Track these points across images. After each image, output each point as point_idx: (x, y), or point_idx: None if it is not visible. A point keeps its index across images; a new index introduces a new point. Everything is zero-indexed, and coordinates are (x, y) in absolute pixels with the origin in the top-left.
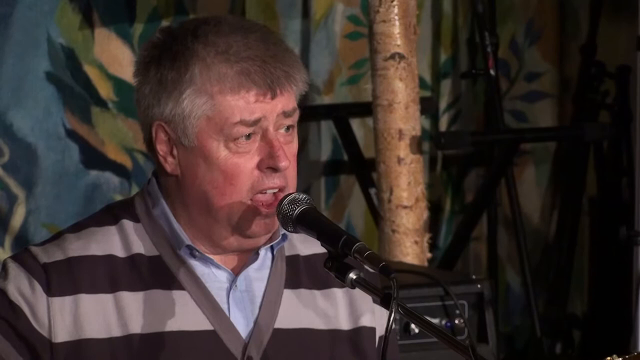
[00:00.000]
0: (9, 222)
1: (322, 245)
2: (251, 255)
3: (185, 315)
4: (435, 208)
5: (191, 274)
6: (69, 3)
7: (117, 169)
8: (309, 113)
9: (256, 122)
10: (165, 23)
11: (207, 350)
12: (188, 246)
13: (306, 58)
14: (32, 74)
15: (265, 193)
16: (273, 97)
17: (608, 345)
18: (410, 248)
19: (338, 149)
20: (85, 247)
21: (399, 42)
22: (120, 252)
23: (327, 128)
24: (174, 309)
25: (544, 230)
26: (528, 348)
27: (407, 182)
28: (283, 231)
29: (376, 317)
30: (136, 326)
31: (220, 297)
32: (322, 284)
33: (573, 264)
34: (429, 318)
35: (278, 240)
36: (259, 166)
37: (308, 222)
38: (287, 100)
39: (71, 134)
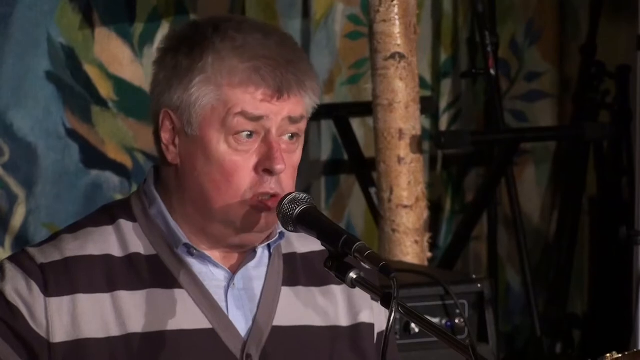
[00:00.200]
0: (9, 221)
1: (322, 244)
2: (249, 253)
3: (183, 314)
4: (435, 207)
5: (189, 273)
6: (69, 3)
7: (117, 168)
8: None
9: (258, 118)
10: (165, 23)
11: (206, 348)
12: (185, 244)
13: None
14: (32, 73)
15: (260, 197)
16: (280, 98)
17: (608, 344)
18: (410, 247)
19: (338, 149)
20: (83, 247)
21: (399, 42)
22: (117, 252)
23: (327, 128)
24: (172, 308)
25: (544, 229)
26: (528, 347)
27: (407, 182)
28: (280, 229)
29: (375, 314)
30: (134, 325)
31: (218, 295)
32: (320, 281)
33: (573, 263)
34: (429, 317)
35: (275, 238)
36: (256, 168)
37: (308, 221)
38: (294, 106)
39: (71, 134)
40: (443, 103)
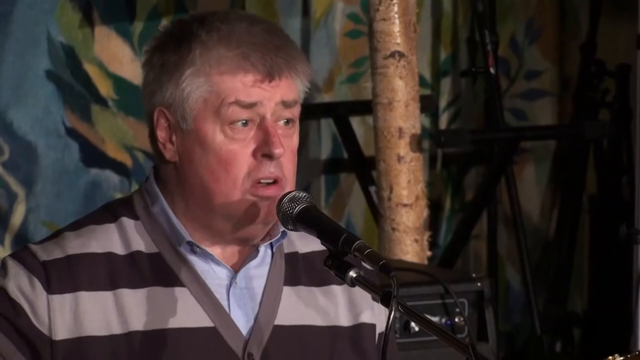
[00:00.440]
0: (9, 220)
1: (322, 243)
2: (251, 252)
3: (185, 312)
4: (435, 206)
5: (191, 271)
6: (69, 1)
7: (117, 167)
8: (309, 111)
9: (252, 105)
10: (165, 21)
11: (207, 347)
12: (188, 242)
13: (306, 56)
14: (32, 72)
15: (260, 183)
16: (271, 82)
17: (608, 343)
18: (410, 246)
19: (338, 147)
20: (85, 245)
21: (399, 41)
22: (119, 250)
23: (327, 126)
24: (174, 306)
25: (544, 228)
26: (528, 346)
27: (407, 180)
28: (282, 228)
29: (376, 314)
30: (137, 323)
31: (220, 294)
32: (321, 281)
33: (573, 262)
34: (429, 316)
35: (277, 237)
36: (254, 154)
37: (308, 220)
38: (286, 89)
39: (71, 132)
40: (443, 102)
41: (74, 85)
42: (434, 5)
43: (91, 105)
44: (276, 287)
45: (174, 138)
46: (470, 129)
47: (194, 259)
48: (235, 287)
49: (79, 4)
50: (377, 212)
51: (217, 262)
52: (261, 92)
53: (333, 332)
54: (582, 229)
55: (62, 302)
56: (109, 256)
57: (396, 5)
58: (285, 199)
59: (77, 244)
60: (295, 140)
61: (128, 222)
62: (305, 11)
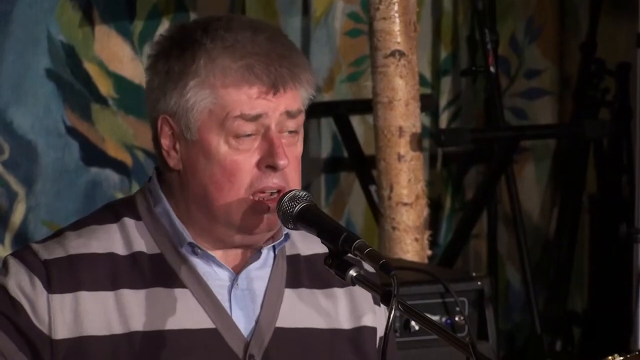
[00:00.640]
0: (9, 219)
1: (322, 242)
2: (253, 253)
3: (187, 314)
4: (435, 205)
5: (193, 272)
6: (69, 0)
7: (117, 166)
8: (309, 110)
9: (257, 117)
10: (165, 20)
11: (208, 348)
12: (190, 243)
13: (306, 55)
14: (32, 71)
15: (264, 193)
16: (276, 94)
17: (608, 342)
18: (410, 245)
19: (338, 146)
20: (86, 244)
21: (399, 40)
22: (121, 250)
23: (327, 125)
24: (175, 307)
25: (544, 227)
26: (528, 345)
27: (407, 180)
28: (286, 230)
29: (377, 317)
30: (137, 324)
31: (221, 295)
32: (323, 284)
33: (573, 261)
34: (429, 315)
35: (281, 239)
36: (258, 165)
37: (308, 219)
38: (291, 100)
39: (71, 131)
40: (443, 101)
41: (74, 84)
42: (434, 4)
43: (91, 104)
44: (278, 289)
45: (177, 146)
46: (470, 128)
47: (195, 260)
48: (236, 288)
49: (79, 3)
50: (377, 211)
51: (219, 264)
52: (266, 104)
53: (334, 334)
54: (582, 228)
55: (63, 301)
56: (111, 257)
57: (396, 4)
58: (285, 198)
59: (78, 244)
60: (299, 147)
61: (130, 223)
62: (306, 10)
